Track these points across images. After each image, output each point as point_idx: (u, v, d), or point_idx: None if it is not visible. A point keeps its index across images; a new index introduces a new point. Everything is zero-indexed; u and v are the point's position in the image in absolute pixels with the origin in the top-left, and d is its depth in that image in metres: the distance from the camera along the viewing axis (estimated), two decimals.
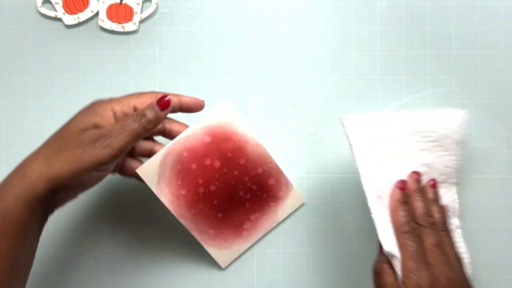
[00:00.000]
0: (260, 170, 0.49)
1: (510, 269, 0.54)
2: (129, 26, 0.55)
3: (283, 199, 0.51)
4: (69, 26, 0.56)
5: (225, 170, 0.48)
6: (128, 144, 0.40)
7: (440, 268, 0.41)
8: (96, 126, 0.41)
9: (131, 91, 0.55)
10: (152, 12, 0.56)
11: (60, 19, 0.55)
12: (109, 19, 0.55)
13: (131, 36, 0.56)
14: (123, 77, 0.55)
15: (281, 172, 0.50)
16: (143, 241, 0.54)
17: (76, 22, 0.55)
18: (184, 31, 0.56)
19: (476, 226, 0.55)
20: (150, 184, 0.47)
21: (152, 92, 0.44)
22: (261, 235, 0.52)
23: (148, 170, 0.46)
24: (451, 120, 0.47)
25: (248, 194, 0.50)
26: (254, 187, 0.49)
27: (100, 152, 0.39)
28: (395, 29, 0.56)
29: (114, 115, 0.42)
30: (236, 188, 0.49)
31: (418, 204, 0.45)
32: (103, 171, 0.41)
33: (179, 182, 0.47)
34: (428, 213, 0.45)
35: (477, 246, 0.54)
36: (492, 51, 0.56)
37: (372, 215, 0.44)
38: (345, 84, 0.56)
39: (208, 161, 0.47)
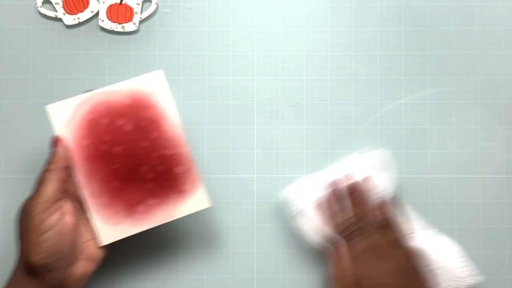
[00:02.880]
0: (170, 152, 0.46)
1: (510, 269, 0.54)
2: (129, 26, 0.55)
3: (187, 195, 0.47)
4: (69, 26, 0.56)
5: (135, 136, 0.46)
6: (48, 192, 0.42)
7: (376, 270, 0.47)
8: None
9: None
10: (152, 13, 0.56)
11: (60, 19, 0.56)
12: (109, 19, 0.55)
13: (131, 36, 0.56)
14: (123, 77, 0.55)
15: (193, 164, 0.47)
16: (141, 241, 0.54)
17: (76, 22, 0.55)
18: (184, 31, 0.56)
19: (476, 226, 0.55)
20: (55, 123, 0.45)
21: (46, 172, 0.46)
22: (154, 224, 0.47)
23: (60, 109, 0.45)
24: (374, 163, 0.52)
25: (152, 174, 0.46)
26: (160, 168, 0.46)
27: (31, 214, 0.41)
28: (395, 29, 0.56)
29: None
30: (141, 162, 0.46)
31: (342, 212, 0.50)
32: (51, 229, 0.42)
33: (86, 131, 0.46)
34: (359, 217, 0.49)
35: (477, 246, 0.54)
36: (492, 51, 0.56)
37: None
38: (345, 84, 0.56)
39: (120, 121, 0.46)
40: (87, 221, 0.46)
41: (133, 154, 0.46)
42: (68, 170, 0.45)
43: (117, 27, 0.55)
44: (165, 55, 0.56)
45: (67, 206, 0.45)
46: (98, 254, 0.46)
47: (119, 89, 0.46)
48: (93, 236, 0.46)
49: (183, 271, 0.54)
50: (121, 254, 0.54)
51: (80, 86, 0.55)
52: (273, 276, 0.54)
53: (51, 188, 0.42)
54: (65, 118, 0.46)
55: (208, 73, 0.56)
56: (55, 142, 0.45)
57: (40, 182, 0.43)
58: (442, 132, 0.55)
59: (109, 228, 0.46)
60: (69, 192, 0.45)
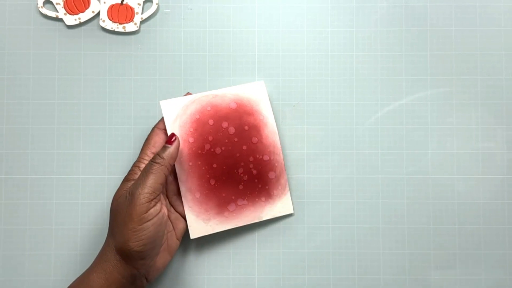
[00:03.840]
0: (266, 158, 0.50)
1: (510, 269, 0.54)
2: (130, 27, 0.55)
3: (275, 200, 0.51)
4: (70, 27, 0.56)
5: (236, 139, 0.49)
6: (154, 183, 0.44)
7: None
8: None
9: (132, 91, 0.55)
10: (153, 13, 0.56)
11: (61, 20, 0.56)
12: (110, 20, 0.55)
13: (132, 37, 0.56)
14: (124, 77, 0.56)
15: (284, 172, 0.51)
16: None
17: (77, 22, 0.55)
18: (184, 31, 0.56)
19: (476, 226, 0.55)
20: (166, 118, 0.49)
21: (154, 131, 0.49)
22: (240, 224, 0.50)
23: (171, 106, 0.49)
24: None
25: (246, 176, 0.50)
26: (254, 171, 0.50)
27: (137, 202, 0.43)
28: (395, 29, 0.56)
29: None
30: (238, 164, 0.49)
31: None
32: (153, 218, 0.44)
33: (192, 130, 0.49)
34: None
35: (477, 246, 0.54)
36: (492, 51, 0.56)
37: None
38: (345, 84, 0.56)
39: (225, 124, 0.49)
40: (169, 213, 0.49)
41: (232, 155, 0.49)
42: (173, 166, 0.48)
43: (118, 27, 0.55)
44: (166, 55, 0.56)
45: (162, 198, 0.48)
46: (176, 245, 0.49)
47: (225, 94, 0.50)
48: (173, 228, 0.49)
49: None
50: None
51: (81, 86, 0.55)
52: (274, 275, 0.54)
53: (159, 181, 0.45)
54: (175, 114, 0.49)
55: (209, 73, 0.56)
56: (171, 139, 0.47)
57: (148, 174, 0.44)
58: (442, 132, 0.55)
59: (199, 223, 0.49)
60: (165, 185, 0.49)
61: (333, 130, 0.55)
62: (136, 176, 0.46)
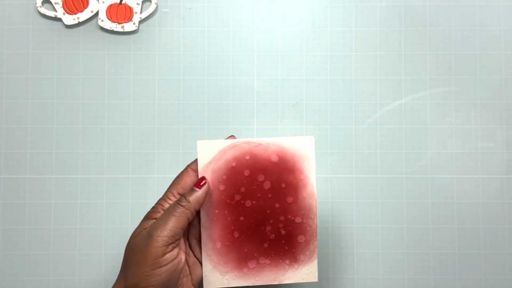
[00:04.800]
0: (299, 220, 0.46)
1: (510, 269, 0.54)
2: (129, 26, 0.55)
3: (300, 265, 0.47)
4: (69, 26, 0.56)
5: (270, 195, 0.46)
6: (175, 227, 0.41)
7: None
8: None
9: (131, 91, 0.55)
10: (152, 12, 0.56)
11: (60, 19, 0.56)
12: (109, 19, 0.55)
13: (131, 36, 0.56)
14: (123, 77, 0.55)
15: (315, 238, 0.47)
16: None
17: (76, 22, 0.55)
18: (184, 31, 0.56)
19: (476, 226, 0.55)
20: (200, 159, 0.45)
21: (186, 170, 0.46)
22: (258, 283, 0.47)
23: (208, 148, 0.45)
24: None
25: (273, 235, 0.46)
26: (283, 232, 0.46)
27: (154, 245, 0.40)
28: (395, 29, 0.56)
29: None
30: (267, 221, 0.46)
31: None
32: (167, 264, 0.42)
33: (225, 177, 0.45)
34: None
35: (477, 246, 0.54)
36: (492, 51, 0.56)
37: None
38: (344, 84, 0.56)
39: (261, 178, 0.45)
40: (188, 257, 0.46)
41: (262, 211, 0.46)
42: (198, 211, 0.45)
43: (117, 27, 0.55)
44: (165, 55, 0.56)
45: (182, 243, 0.45)
46: None
47: (269, 144, 0.45)
48: (190, 273, 0.46)
49: None
50: None
51: (80, 86, 0.55)
52: None
53: (180, 225, 0.42)
54: (211, 157, 0.45)
55: (208, 73, 0.56)
56: (200, 183, 0.44)
57: (171, 216, 0.42)
58: (442, 132, 0.55)
59: (215, 274, 0.46)
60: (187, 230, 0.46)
61: (332, 130, 0.55)
62: (158, 215, 0.43)
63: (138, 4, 0.55)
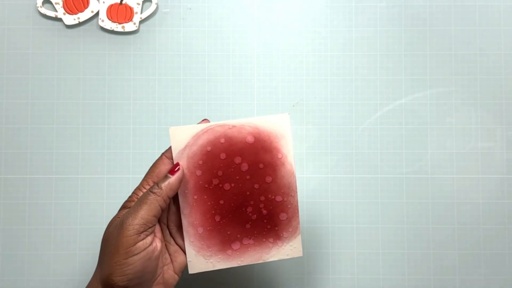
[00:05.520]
0: (279, 199, 0.46)
1: (510, 269, 0.54)
2: (129, 26, 0.55)
3: (283, 242, 0.47)
4: (69, 26, 0.56)
5: (248, 177, 0.45)
6: (146, 214, 0.41)
7: None
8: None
9: (131, 91, 0.55)
10: (152, 12, 0.56)
11: (60, 19, 0.56)
12: (109, 19, 0.55)
13: (131, 36, 0.56)
14: (123, 77, 0.55)
15: (297, 214, 0.46)
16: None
17: (76, 22, 0.55)
18: (184, 31, 0.56)
19: (476, 226, 0.55)
20: (173, 146, 0.45)
21: (161, 158, 0.45)
22: (243, 263, 0.47)
23: (181, 134, 0.44)
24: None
25: (255, 215, 0.46)
26: (264, 211, 0.46)
27: (125, 233, 0.40)
28: (395, 29, 0.56)
29: None
30: (247, 202, 0.46)
31: None
32: (140, 252, 0.41)
33: (200, 162, 0.45)
34: None
35: (477, 246, 0.54)
36: (492, 51, 0.56)
37: None
38: (344, 84, 0.56)
39: (238, 160, 0.45)
40: (168, 245, 0.45)
41: (241, 193, 0.45)
42: (172, 198, 0.44)
43: (117, 27, 0.55)
44: (165, 55, 0.56)
45: (158, 231, 0.44)
46: (174, 279, 0.45)
47: (243, 125, 0.45)
48: (172, 261, 0.45)
49: None
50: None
51: (80, 86, 0.55)
52: (273, 274, 0.54)
53: (152, 213, 0.41)
54: (184, 143, 0.45)
55: (208, 73, 0.56)
56: (173, 169, 0.43)
57: (142, 204, 0.41)
58: (442, 132, 0.55)
59: (200, 258, 0.46)
60: (162, 216, 0.45)
61: (332, 130, 0.55)
62: (133, 204, 0.43)
63: (138, 4, 0.55)
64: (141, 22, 0.56)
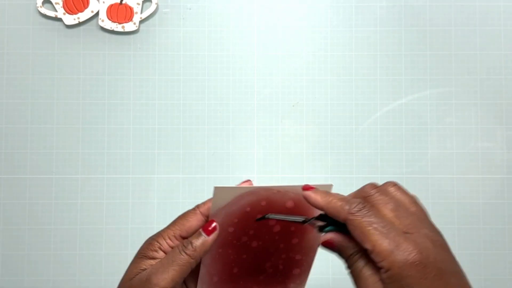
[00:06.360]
0: (298, 257, 0.45)
1: (510, 269, 0.54)
2: (129, 26, 0.55)
3: None
4: (69, 26, 0.56)
5: (277, 237, 0.44)
6: (177, 277, 0.39)
7: (417, 233, 0.34)
8: (145, 269, 0.40)
9: (131, 91, 0.55)
10: (152, 12, 0.56)
11: (60, 19, 0.56)
12: (109, 19, 0.55)
13: (131, 36, 0.56)
14: (123, 77, 0.55)
15: (309, 270, 0.46)
16: None
17: (76, 22, 0.55)
18: (184, 31, 0.56)
19: (476, 226, 0.55)
20: (214, 204, 0.42)
21: (195, 212, 0.42)
22: None
23: (224, 193, 0.42)
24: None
25: (271, 269, 0.45)
26: (281, 267, 0.45)
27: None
28: (395, 29, 0.56)
29: (164, 252, 0.41)
30: (269, 259, 0.45)
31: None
32: None
33: (236, 220, 0.43)
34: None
35: (477, 246, 0.54)
36: (492, 51, 0.56)
37: None
38: (345, 84, 0.56)
39: (272, 222, 0.43)
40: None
41: (266, 251, 0.44)
42: None
43: (117, 27, 0.55)
44: (165, 55, 0.56)
45: None
46: None
47: (288, 192, 0.43)
48: None
49: None
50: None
51: (80, 86, 0.55)
52: None
53: (183, 275, 0.39)
54: (226, 202, 0.43)
55: (208, 73, 0.56)
56: (209, 228, 0.41)
57: (174, 264, 0.39)
58: (442, 132, 0.55)
59: None
60: None
61: (332, 130, 0.55)
62: (156, 254, 0.40)
63: (138, 4, 0.55)
64: (141, 22, 0.56)
